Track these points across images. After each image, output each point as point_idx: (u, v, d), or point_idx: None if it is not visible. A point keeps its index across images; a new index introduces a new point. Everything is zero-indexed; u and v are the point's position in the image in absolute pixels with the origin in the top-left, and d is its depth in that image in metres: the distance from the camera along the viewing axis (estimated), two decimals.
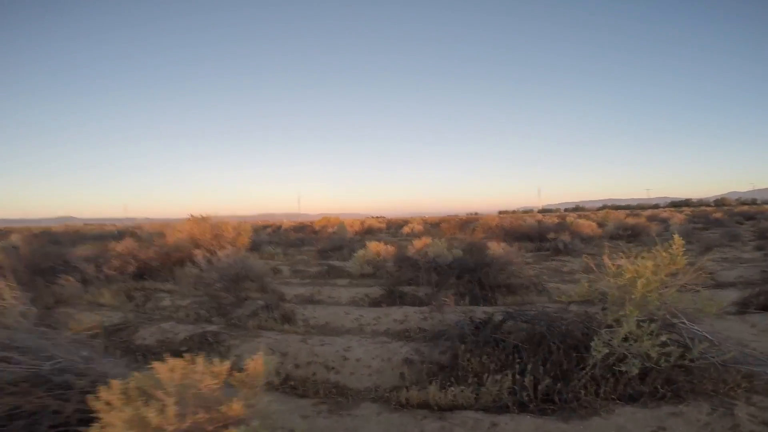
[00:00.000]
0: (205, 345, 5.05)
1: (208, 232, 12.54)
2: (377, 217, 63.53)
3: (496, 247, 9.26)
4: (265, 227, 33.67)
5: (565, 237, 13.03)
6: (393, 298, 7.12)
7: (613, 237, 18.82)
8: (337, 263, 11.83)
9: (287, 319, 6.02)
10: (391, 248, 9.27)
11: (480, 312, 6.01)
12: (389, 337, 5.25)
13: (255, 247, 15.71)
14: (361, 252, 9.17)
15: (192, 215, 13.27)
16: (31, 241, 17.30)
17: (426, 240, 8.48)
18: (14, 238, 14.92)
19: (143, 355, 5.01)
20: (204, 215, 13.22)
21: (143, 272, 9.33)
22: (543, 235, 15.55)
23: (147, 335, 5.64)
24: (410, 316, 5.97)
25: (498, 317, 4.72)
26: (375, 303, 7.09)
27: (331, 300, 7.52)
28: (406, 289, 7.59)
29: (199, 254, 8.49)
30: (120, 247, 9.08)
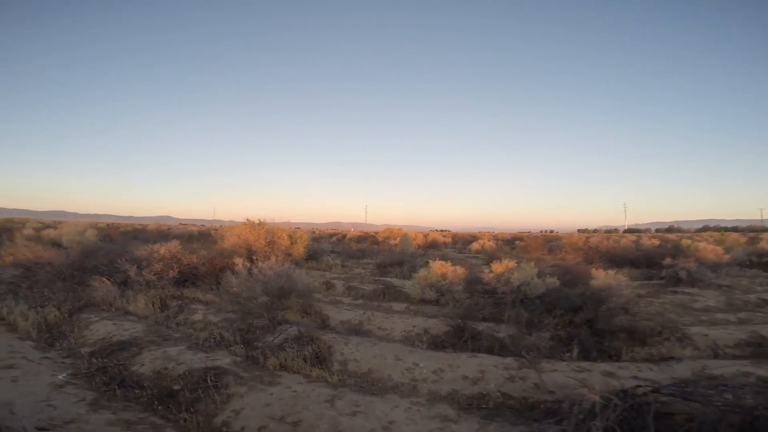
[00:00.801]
0: (202, 388, 3.76)
1: (262, 238, 11.80)
2: (441, 231, 61.02)
3: (602, 275, 7.07)
4: (331, 235, 33.41)
5: (690, 264, 10.07)
6: (462, 338, 5.35)
7: (740, 264, 14.94)
8: (395, 281, 10.26)
9: (320, 359, 4.56)
10: (460, 270, 7.46)
11: (599, 373, 4.04)
12: (455, 407, 3.51)
13: (313, 256, 14.83)
14: (422, 272, 7.49)
15: (248, 219, 12.70)
16: (109, 236, 18.26)
17: (509, 263, 6.56)
18: (89, 233, 15.63)
19: (126, 389, 3.88)
20: (260, 220, 12.59)
21: (186, 278, 8.60)
22: (652, 260, 12.53)
23: (147, 360, 4.56)
24: (488, 371, 4.16)
25: (641, 390, 2.80)
26: (437, 343, 5.37)
27: (381, 332, 5.94)
28: (481, 326, 5.76)
29: (239, 263, 7.49)
30: (163, 249, 8.45)
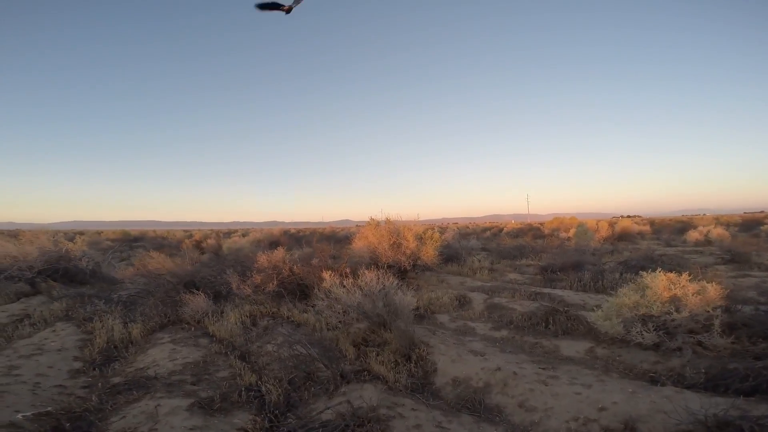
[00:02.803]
0: None
1: (386, 241, 9.83)
2: (631, 217, 48.83)
3: None
4: (485, 230, 29.87)
5: None
6: None
7: None
8: (569, 296, 6.73)
9: None
10: (713, 291, 3.59)
11: None
12: None
13: (454, 257, 12.16)
14: (628, 296, 3.89)
15: (371, 218, 10.97)
16: (277, 241, 19.48)
17: None
18: (245, 241, 16.70)
19: None
20: (387, 218, 10.68)
21: (290, 291, 7.18)
22: None
23: (132, 415, 3.08)
24: None
25: None
26: None
27: (523, 416, 2.98)
28: None
29: (328, 278, 5.52)
30: (263, 258, 7.23)
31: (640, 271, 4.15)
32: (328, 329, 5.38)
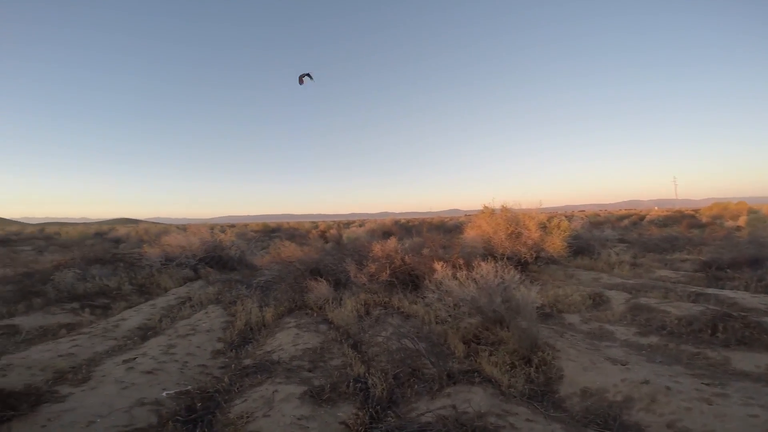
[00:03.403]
0: None
1: (502, 230, 9.19)
2: None
3: None
4: (621, 218, 25.93)
5: None
6: None
7: None
8: (744, 299, 5.33)
9: None
10: None
11: None
12: None
13: (585, 249, 10.82)
14: None
15: (485, 206, 10.38)
16: (389, 231, 20.13)
17: None
18: (361, 230, 17.46)
19: None
20: (503, 206, 10.00)
21: (403, 281, 7.23)
22: None
23: (252, 398, 3.24)
24: None
25: None
26: None
27: None
28: None
29: (439, 269, 5.33)
30: (377, 248, 7.41)
31: None
32: (437, 323, 5.20)
